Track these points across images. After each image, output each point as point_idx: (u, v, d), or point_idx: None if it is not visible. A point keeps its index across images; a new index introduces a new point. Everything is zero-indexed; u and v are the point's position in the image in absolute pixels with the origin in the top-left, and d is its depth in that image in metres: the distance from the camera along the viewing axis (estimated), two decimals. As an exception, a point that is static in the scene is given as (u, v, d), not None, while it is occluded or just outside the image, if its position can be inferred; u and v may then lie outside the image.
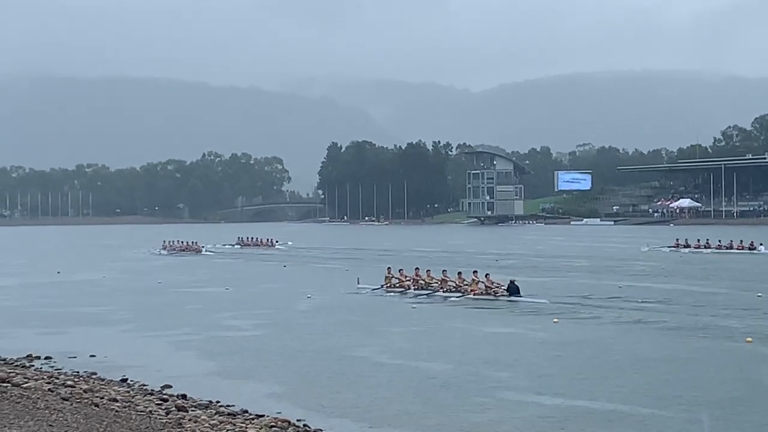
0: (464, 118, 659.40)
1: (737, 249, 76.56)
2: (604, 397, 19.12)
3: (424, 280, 42.33)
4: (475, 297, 38.64)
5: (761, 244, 76.22)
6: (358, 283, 44.74)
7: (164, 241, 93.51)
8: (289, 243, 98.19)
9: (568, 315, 33.31)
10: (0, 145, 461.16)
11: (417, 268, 43.78)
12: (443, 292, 40.53)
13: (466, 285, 40.04)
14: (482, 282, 39.62)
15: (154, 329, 31.47)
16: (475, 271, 40.97)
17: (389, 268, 45.11)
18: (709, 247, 78.99)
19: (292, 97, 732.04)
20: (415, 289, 41.75)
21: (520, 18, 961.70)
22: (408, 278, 43.05)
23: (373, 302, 39.82)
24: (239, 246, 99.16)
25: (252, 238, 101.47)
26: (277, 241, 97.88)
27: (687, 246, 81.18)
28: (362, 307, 37.91)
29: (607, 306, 35.62)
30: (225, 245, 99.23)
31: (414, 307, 36.62)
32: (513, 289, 38.11)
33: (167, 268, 67.13)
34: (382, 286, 43.43)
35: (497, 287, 38.82)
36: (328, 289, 45.40)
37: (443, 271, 42.46)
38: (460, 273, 41.68)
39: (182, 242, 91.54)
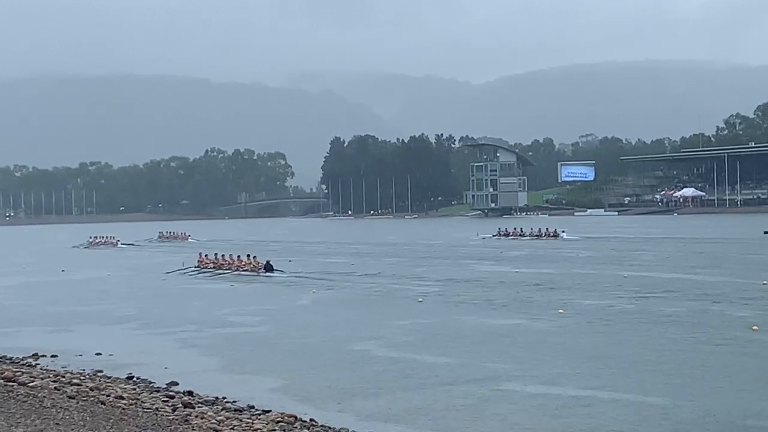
0: (466, 110, 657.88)
1: (545, 236, 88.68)
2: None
3: (220, 261, 55.92)
4: (244, 273, 52.03)
5: (563, 231, 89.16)
6: (183, 265, 56.53)
7: (89, 237, 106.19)
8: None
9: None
10: (3, 145, 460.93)
11: (216, 253, 58.11)
12: (225, 269, 54.16)
13: (243, 264, 53.55)
14: (251, 262, 53.11)
15: (159, 326, 31.55)
16: (248, 255, 54.69)
17: (200, 252, 59.64)
18: (524, 235, 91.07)
19: (295, 93, 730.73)
20: (212, 269, 55.09)
21: (525, 10, 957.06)
22: (210, 261, 56.58)
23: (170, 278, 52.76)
24: (159, 239, 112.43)
25: (170, 232, 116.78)
26: (189, 235, 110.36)
27: (507, 234, 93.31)
28: (169, 284, 49.23)
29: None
30: (146, 239, 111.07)
31: (420, 300, 36.69)
32: (268, 267, 51.70)
33: (171, 265, 67.18)
34: (193, 266, 56.49)
35: (258, 266, 52.23)
36: (154, 271, 57.89)
37: (247, 254, 55.12)
38: (239, 256, 55.42)
39: (102, 237, 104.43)
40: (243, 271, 52.91)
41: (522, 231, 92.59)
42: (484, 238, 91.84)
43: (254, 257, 54.10)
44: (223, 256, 57.01)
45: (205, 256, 58.05)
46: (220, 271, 54.14)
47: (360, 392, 19.65)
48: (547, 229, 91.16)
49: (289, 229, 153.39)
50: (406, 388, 19.83)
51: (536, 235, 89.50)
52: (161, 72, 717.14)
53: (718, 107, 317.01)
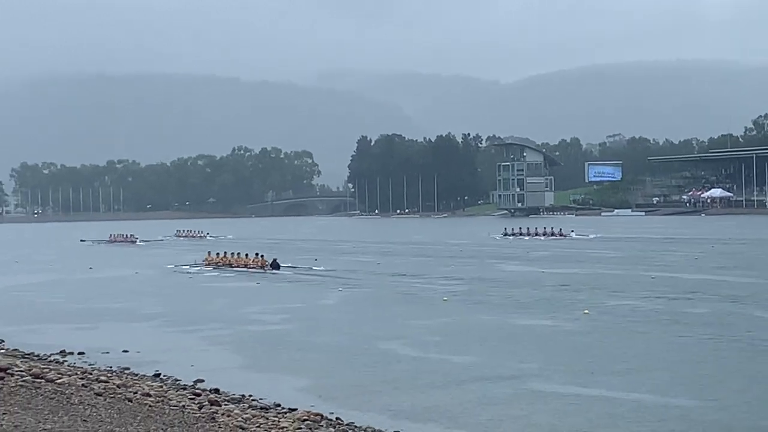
0: (494, 110, 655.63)
1: (554, 235, 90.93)
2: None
3: (228, 260, 58.32)
4: (254, 270, 54.19)
5: (572, 231, 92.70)
6: (195, 262, 59.82)
7: (110, 234, 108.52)
8: (229, 236, 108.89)
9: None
10: (32, 143, 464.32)
11: (225, 251, 60.81)
12: (235, 267, 56.46)
13: (250, 262, 56.15)
14: (258, 260, 55.79)
15: (185, 324, 31.66)
16: (256, 254, 57.31)
17: (209, 252, 61.84)
18: (530, 234, 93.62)
19: (322, 92, 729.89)
20: (220, 266, 57.42)
21: (553, 9, 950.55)
22: (219, 258, 59.03)
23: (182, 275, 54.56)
24: (176, 237, 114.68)
25: (187, 230, 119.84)
26: (207, 233, 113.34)
27: (514, 234, 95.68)
28: (192, 282, 50.09)
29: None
30: (165, 237, 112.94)
31: (445, 300, 36.66)
32: (275, 265, 54.57)
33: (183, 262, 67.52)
34: (202, 264, 58.96)
35: (265, 264, 54.97)
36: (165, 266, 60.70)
37: (256, 253, 57.77)
38: (246, 254, 57.96)
39: (123, 235, 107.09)
40: (250, 268, 55.37)
41: (529, 230, 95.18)
42: (495, 238, 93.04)
43: (262, 255, 56.78)
44: (231, 254, 59.60)
45: (216, 254, 60.60)
46: (228, 268, 56.64)
47: (385, 391, 19.69)
48: (553, 228, 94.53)
49: (316, 227, 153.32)
50: (431, 387, 19.86)
51: (542, 234, 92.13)
52: (189, 70, 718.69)
53: (746, 108, 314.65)
